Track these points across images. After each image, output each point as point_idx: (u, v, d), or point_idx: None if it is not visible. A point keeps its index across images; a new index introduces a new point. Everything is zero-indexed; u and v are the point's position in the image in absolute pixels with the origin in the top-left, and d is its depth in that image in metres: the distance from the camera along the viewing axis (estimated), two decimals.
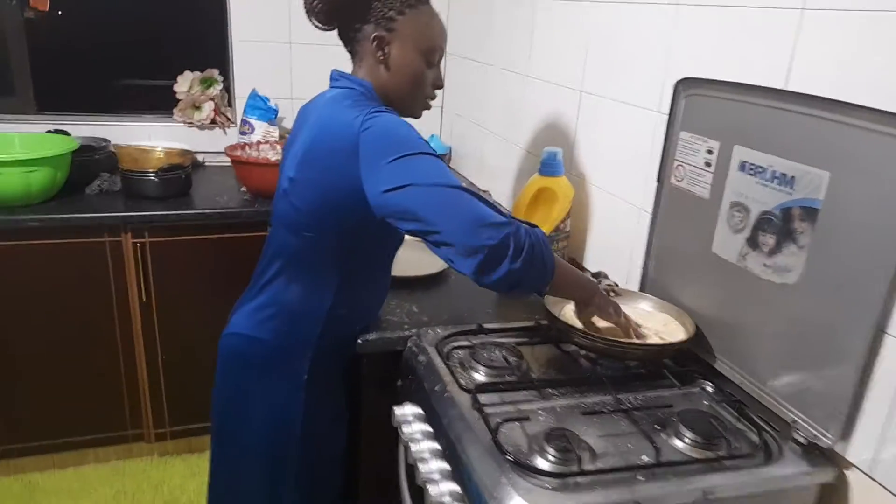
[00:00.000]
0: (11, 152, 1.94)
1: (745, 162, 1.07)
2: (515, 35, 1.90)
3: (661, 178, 1.26)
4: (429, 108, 1.18)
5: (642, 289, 1.33)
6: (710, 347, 1.16)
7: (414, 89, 1.14)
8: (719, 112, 1.12)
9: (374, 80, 1.12)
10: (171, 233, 1.93)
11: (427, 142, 1.02)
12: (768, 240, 1.03)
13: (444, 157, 2.45)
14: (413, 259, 1.46)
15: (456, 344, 1.19)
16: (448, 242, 0.95)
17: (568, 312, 1.23)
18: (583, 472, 0.86)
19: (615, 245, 1.45)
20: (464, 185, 0.98)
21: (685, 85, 1.18)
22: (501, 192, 2.06)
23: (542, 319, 1.26)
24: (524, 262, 0.96)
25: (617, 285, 1.35)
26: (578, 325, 1.16)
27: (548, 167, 1.47)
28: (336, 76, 1.14)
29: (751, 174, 1.05)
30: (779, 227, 1.01)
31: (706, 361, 1.16)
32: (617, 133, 1.44)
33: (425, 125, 2.44)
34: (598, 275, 1.45)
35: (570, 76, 1.62)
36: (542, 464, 0.88)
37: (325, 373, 1.18)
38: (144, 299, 1.94)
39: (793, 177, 0.98)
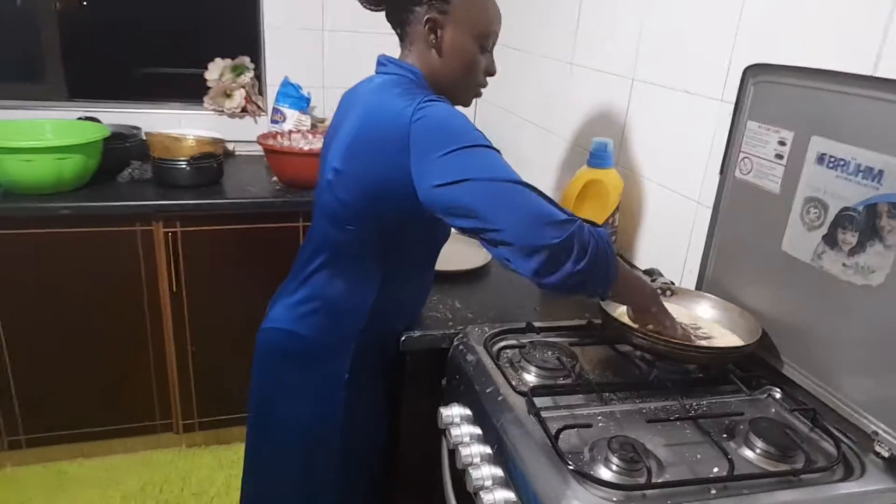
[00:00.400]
0: (43, 139, 1.92)
1: (823, 154, 0.99)
2: (558, 20, 1.83)
3: (725, 170, 1.18)
4: (479, 95, 1.12)
5: (699, 288, 1.26)
6: (776, 351, 1.09)
7: (466, 76, 1.07)
8: (794, 100, 1.04)
9: (423, 66, 1.06)
10: (203, 222, 1.89)
11: (483, 134, 0.96)
12: (849, 238, 0.95)
13: None
14: (455, 252, 1.41)
15: (505, 343, 1.13)
16: (507, 241, 0.88)
17: (626, 313, 1.16)
18: (652, 485, 0.80)
19: (668, 241, 1.38)
20: (524, 179, 0.91)
21: (755, 71, 1.10)
22: (540, 185, 1.99)
23: (594, 318, 1.19)
24: (588, 264, 0.89)
25: (673, 283, 1.28)
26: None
27: (597, 158, 1.40)
28: (384, 61, 1.08)
29: (830, 167, 0.98)
30: (862, 224, 0.93)
31: (772, 366, 1.09)
32: (673, 123, 1.37)
33: None
34: (650, 272, 1.38)
35: (620, 63, 1.54)
36: (606, 474, 0.82)
37: (367, 370, 1.12)
38: (175, 289, 1.91)
39: (881, 170, 0.90)
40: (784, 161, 1.06)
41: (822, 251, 1.00)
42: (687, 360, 1.06)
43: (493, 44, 1.10)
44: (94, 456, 2.04)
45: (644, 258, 1.47)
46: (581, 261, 0.88)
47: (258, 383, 1.19)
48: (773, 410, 1.01)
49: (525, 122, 2.06)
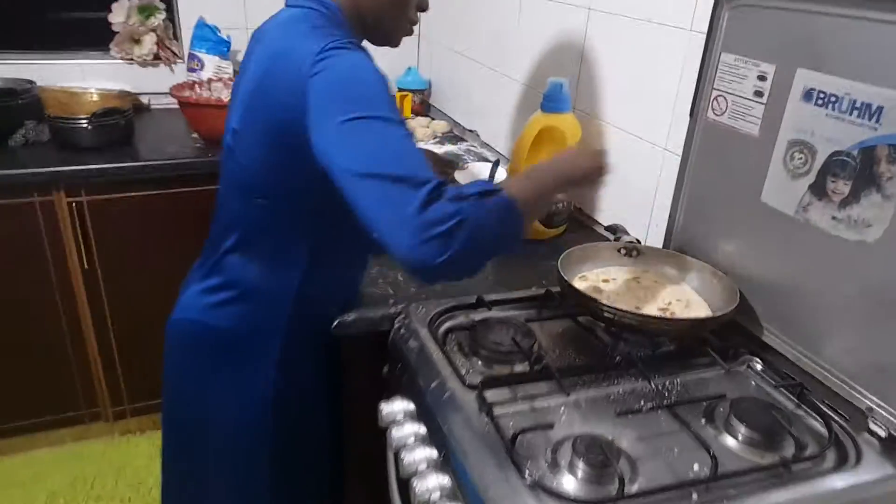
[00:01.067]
0: None
1: (811, 89, 0.85)
2: None
3: (695, 111, 1.04)
4: (410, 34, 0.93)
5: (667, 245, 1.13)
6: (755, 316, 0.97)
7: (396, 10, 0.88)
8: (776, 27, 0.89)
9: None
10: (113, 189, 1.67)
11: (392, 97, 0.77)
12: (841, 187, 0.82)
13: (424, 93, 2.18)
14: None
15: (453, 322, 0.99)
16: (383, 244, 0.71)
17: (588, 278, 1.03)
18: (625, 496, 0.68)
19: (633, 194, 1.24)
20: (420, 162, 0.72)
21: None
22: (492, 132, 1.82)
23: (553, 286, 1.05)
24: (469, 256, 0.71)
25: (639, 242, 1.15)
26: (601, 295, 0.97)
27: (552, 102, 1.24)
28: None
29: (819, 105, 0.84)
30: (856, 170, 0.80)
31: (752, 332, 0.97)
32: (636, 59, 1.20)
33: (400, 56, 2.15)
34: (613, 228, 1.25)
35: None
36: (571, 484, 0.70)
37: (298, 363, 0.97)
38: (87, 266, 1.70)
39: (880, 107, 0.77)
40: (764, 99, 0.92)
41: (808, 202, 0.87)
42: (657, 333, 0.94)
43: None
44: (16, 453, 1.85)
45: (606, 213, 1.33)
46: (448, 251, 0.68)
47: (172, 384, 1.03)
48: (754, 385, 0.90)
49: (475, 64, 1.87)
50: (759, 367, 0.93)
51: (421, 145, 1.86)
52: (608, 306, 0.89)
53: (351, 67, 0.75)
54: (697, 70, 1.01)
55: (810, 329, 0.89)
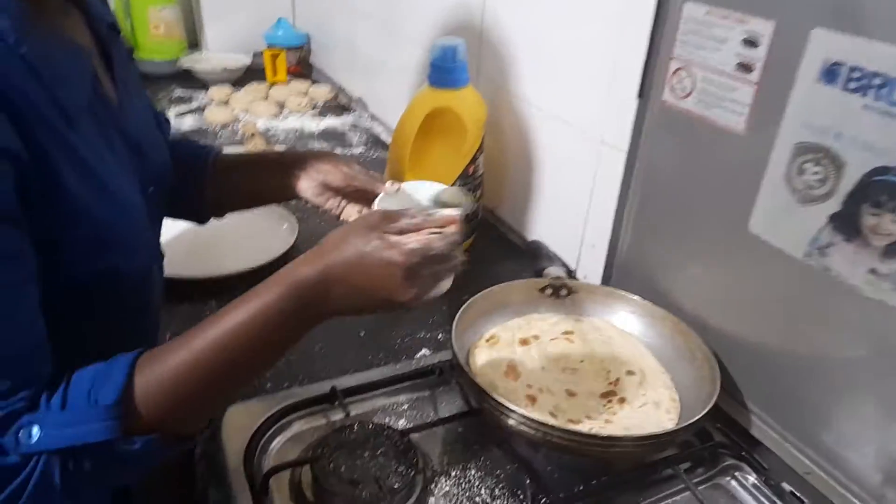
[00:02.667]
0: None
1: (835, 64, 0.52)
2: None
3: (645, 90, 0.70)
4: None
5: (608, 279, 0.81)
6: (739, 395, 0.67)
7: None
8: None
9: None
10: None
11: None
12: (887, 225, 0.51)
13: (301, 50, 1.75)
14: (232, 236, 0.86)
15: (289, 434, 0.63)
16: None
17: (499, 339, 0.69)
18: None
19: (562, 200, 0.91)
20: None
21: None
22: (382, 103, 1.44)
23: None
24: None
25: (570, 273, 0.82)
26: (516, 380, 0.64)
27: (442, 73, 0.87)
28: None
29: (852, 90, 0.52)
30: None
31: (735, 420, 0.67)
32: (561, 13, 0.85)
33: (269, 4, 1.71)
34: (534, 250, 0.92)
35: None
36: None
37: None
38: None
39: None
40: (755, 76, 0.59)
41: (828, 242, 0.56)
42: (595, 458, 0.61)
43: None
44: None
45: (529, 226, 0.99)
46: None
47: None
48: None
49: (360, 15, 1.46)
50: (751, 479, 0.63)
51: (295, 121, 1.46)
52: (520, 415, 0.56)
53: None
54: (649, 29, 0.67)
55: (831, 427, 0.59)
